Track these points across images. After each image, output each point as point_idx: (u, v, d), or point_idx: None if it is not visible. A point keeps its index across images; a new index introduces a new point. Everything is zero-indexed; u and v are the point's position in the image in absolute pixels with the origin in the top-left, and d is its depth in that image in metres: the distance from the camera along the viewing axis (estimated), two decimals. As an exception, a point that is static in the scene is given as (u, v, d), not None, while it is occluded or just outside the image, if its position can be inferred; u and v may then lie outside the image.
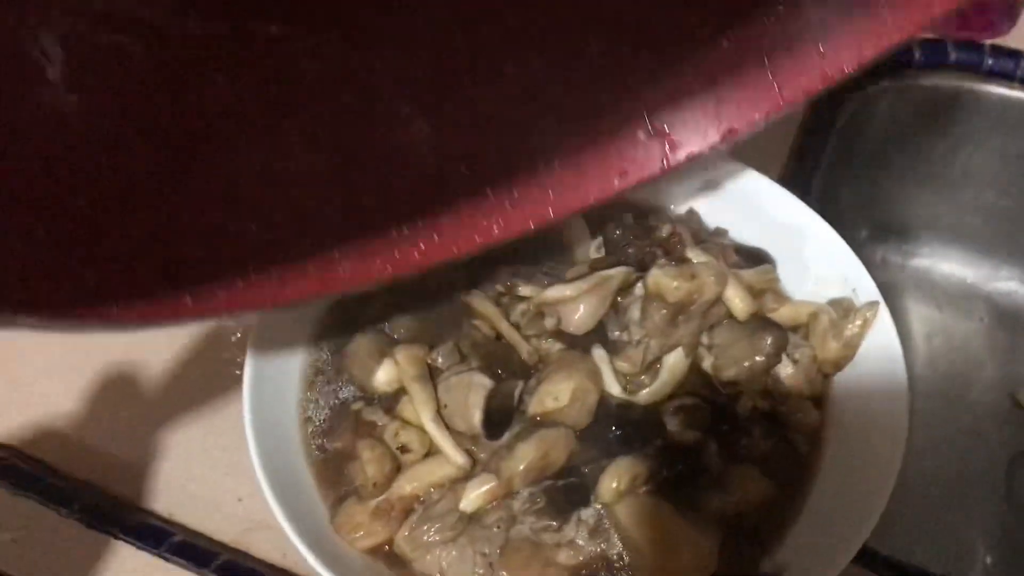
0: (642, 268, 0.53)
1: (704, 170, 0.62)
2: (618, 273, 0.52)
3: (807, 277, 0.58)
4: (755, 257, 0.58)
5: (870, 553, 0.59)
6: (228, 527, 0.60)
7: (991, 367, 0.98)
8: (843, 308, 0.55)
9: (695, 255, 0.54)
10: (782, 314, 0.56)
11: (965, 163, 0.97)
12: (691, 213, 0.62)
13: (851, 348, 0.54)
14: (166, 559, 0.58)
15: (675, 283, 0.50)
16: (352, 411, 0.54)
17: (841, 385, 0.55)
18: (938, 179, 0.98)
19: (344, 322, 0.58)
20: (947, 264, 1.03)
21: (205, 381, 0.67)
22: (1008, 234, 1.00)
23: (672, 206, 0.63)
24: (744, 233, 0.61)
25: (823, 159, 0.85)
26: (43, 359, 0.69)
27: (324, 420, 0.55)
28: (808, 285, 0.58)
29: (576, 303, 0.52)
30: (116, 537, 0.59)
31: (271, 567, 0.59)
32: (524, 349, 0.54)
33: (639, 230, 0.55)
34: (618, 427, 0.52)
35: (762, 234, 0.60)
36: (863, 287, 0.56)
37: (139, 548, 0.58)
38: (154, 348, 0.69)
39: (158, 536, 0.59)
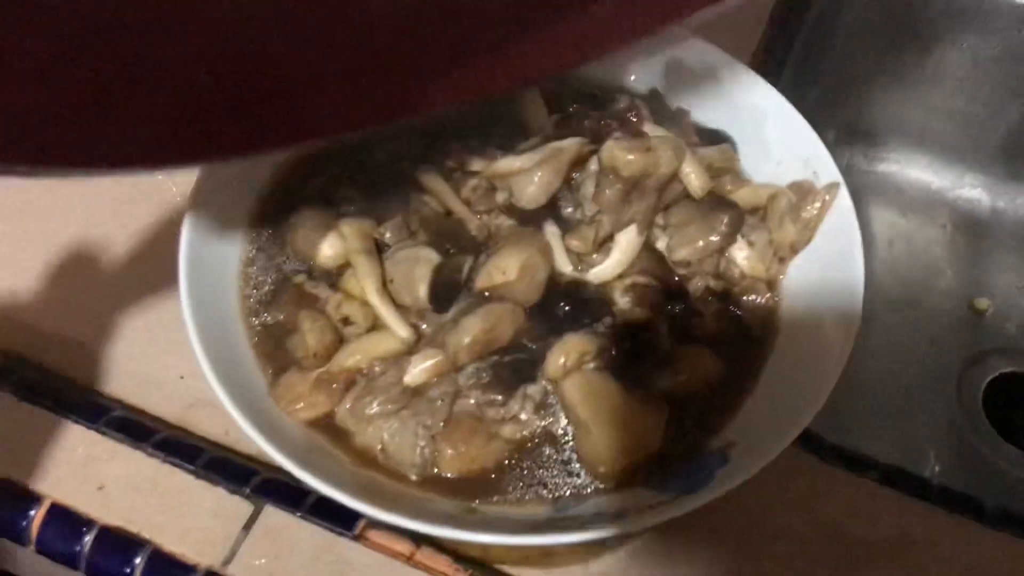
0: (597, 141, 0.51)
1: (669, 48, 0.60)
2: (571, 144, 0.50)
3: (768, 159, 0.57)
4: (716, 138, 0.57)
5: (818, 440, 0.59)
6: (170, 404, 0.59)
7: (950, 274, 0.98)
8: (802, 190, 0.54)
9: (652, 130, 0.52)
10: (741, 195, 0.55)
11: (935, 65, 0.95)
12: (654, 92, 0.60)
13: (809, 230, 0.53)
14: (104, 434, 0.56)
15: (630, 156, 0.49)
16: (294, 283, 0.52)
17: (797, 268, 0.54)
18: (907, 81, 0.96)
19: (288, 195, 0.56)
20: (912, 169, 1.02)
21: (149, 258, 0.65)
22: (975, 140, 0.99)
23: (635, 85, 0.61)
24: (707, 114, 0.59)
25: (791, 55, 0.83)
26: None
27: (265, 294, 0.53)
28: (769, 167, 0.57)
29: (528, 175, 0.50)
30: (53, 412, 0.57)
31: (213, 444, 0.58)
32: (473, 224, 0.52)
33: (596, 104, 0.53)
34: (567, 304, 0.51)
35: (725, 115, 0.58)
36: (824, 169, 0.54)
37: (76, 423, 0.57)
38: (102, 225, 0.67)
39: (97, 411, 0.57)
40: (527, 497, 0.47)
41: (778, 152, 0.56)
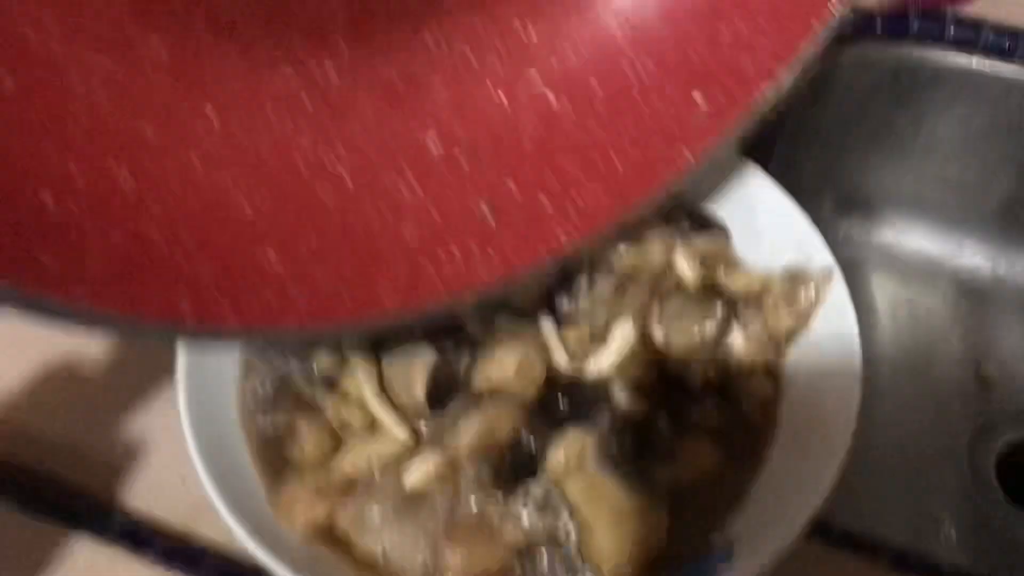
0: (589, 236, 0.51)
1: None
2: (563, 241, 0.50)
3: (760, 244, 0.57)
4: (707, 223, 0.57)
5: (826, 525, 0.58)
6: (173, 510, 0.59)
7: (955, 341, 0.98)
8: (796, 277, 0.54)
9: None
10: (735, 283, 0.55)
11: (928, 135, 0.96)
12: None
13: (804, 317, 0.53)
14: (111, 544, 0.56)
15: (622, 250, 0.49)
16: (293, 387, 0.53)
17: (794, 355, 0.54)
18: (901, 151, 0.97)
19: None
20: (911, 238, 1.02)
21: (146, 358, 0.65)
22: (971, 208, 1.00)
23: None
24: (696, 200, 0.59)
25: (784, 129, 0.84)
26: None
27: (264, 397, 0.53)
28: (762, 252, 0.57)
29: (521, 272, 0.51)
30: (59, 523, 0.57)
31: (217, 551, 0.57)
32: (468, 321, 0.52)
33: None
34: (567, 399, 0.50)
35: (715, 198, 0.59)
36: (817, 254, 0.54)
37: (74, 531, 0.56)
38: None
39: (101, 519, 0.57)
40: (533, 601, 0.46)
41: (770, 236, 0.57)
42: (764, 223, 0.57)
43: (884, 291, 1.01)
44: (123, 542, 0.56)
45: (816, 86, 0.90)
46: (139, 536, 0.56)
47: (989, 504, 0.85)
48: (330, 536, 0.48)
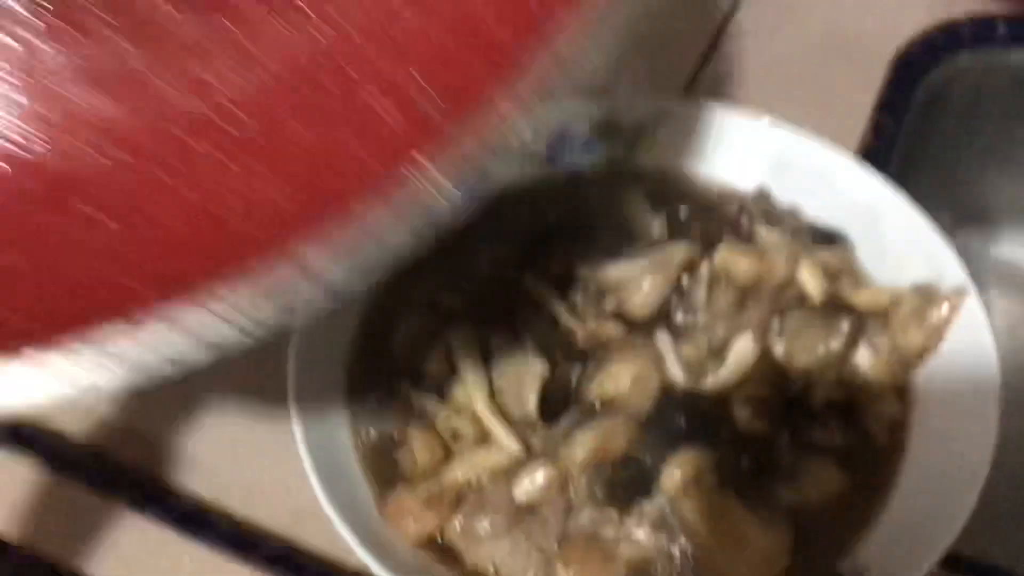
0: (708, 245, 0.50)
1: (774, 144, 0.58)
2: (680, 250, 0.49)
3: (886, 259, 0.54)
4: (830, 238, 0.55)
5: (953, 556, 0.55)
6: (276, 515, 0.59)
7: (1080, 362, 0.93)
8: (927, 293, 0.51)
9: (765, 233, 0.50)
10: (860, 299, 0.52)
11: (1051, 146, 0.91)
12: (762, 192, 0.58)
13: (936, 337, 0.50)
14: (214, 550, 0.56)
15: (743, 263, 0.47)
16: (401, 395, 0.52)
17: (925, 377, 0.51)
18: (1019, 162, 0.93)
19: (395, 301, 0.56)
20: (1032, 253, 0.97)
21: (254, 361, 0.66)
22: (1097, 221, 0.95)
23: (740, 185, 0.59)
24: (818, 212, 0.57)
25: (900, 138, 0.81)
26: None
27: (372, 404, 0.52)
28: (888, 268, 0.54)
29: (637, 282, 0.49)
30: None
31: (320, 558, 0.57)
32: (581, 332, 0.51)
33: (704, 208, 0.52)
34: (682, 416, 0.49)
35: (837, 213, 0.56)
36: (948, 270, 0.52)
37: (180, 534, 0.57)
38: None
39: (206, 523, 0.57)
40: (650, 623, 0.45)
41: (896, 250, 0.54)
42: (890, 236, 0.54)
43: (1003, 307, 0.96)
44: (225, 546, 0.56)
45: (935, 93, 0.86)
46: (242, 540, 0.56)
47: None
48: (439, 547, 0.47)
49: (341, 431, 0.52)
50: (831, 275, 0.51)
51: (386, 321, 0.56)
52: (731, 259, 0.47)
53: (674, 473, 0.47)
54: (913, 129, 0.85)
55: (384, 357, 0.54)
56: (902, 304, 0.51)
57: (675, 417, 0.49)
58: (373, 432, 0.51)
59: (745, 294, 0.48)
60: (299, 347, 0.51)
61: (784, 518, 0.46)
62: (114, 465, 0.61)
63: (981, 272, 0.98)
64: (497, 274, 0.57)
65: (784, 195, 0.58)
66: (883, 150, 0.77)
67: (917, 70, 0.83)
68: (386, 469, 0.50)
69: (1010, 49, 0.86)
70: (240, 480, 0.60)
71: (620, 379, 0.48)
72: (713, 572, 0.45)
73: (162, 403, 0.64)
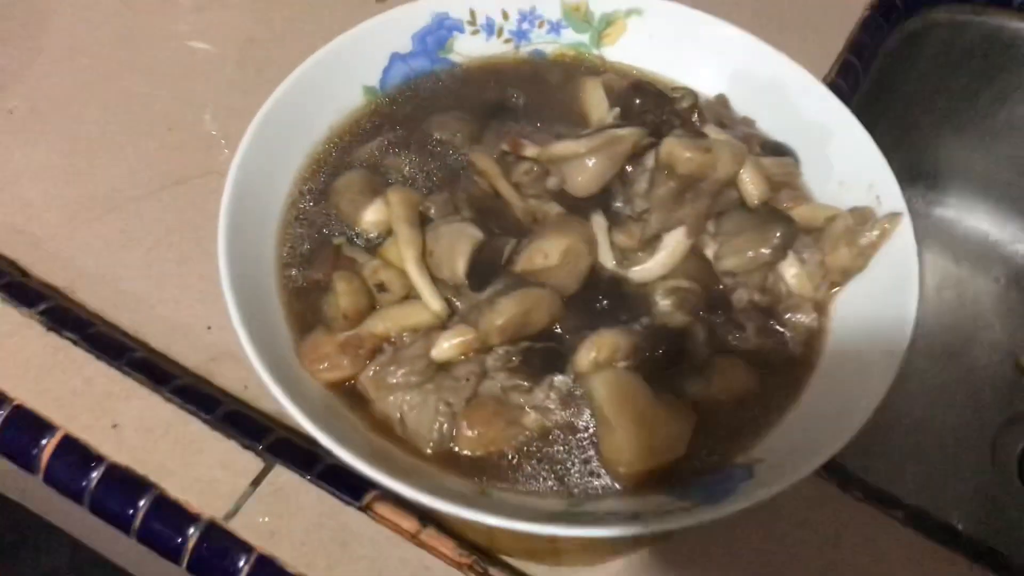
0: (657, 136, 0.50)
1: (740, 53, 0.58)
2: (630, 134, 0.49)
3: (831, 179, 0.55)
4: (779, 150, 0.55)
5: (844, 471, 0.57)
6: (193, 353, 0.59)
7: (999, 328, 0.96)
8: (862, 216, 0.52)
9: (714, 132, 0.50)
10: (798, 213, 0.53)
11: (1009, 114, 0.93)
12: (721, 98, 0.59)
13: (863, 258, 0.51)
14: (126, 374, 0.56)
15: (688, 153, 0.47)
16: (333, 245, 0.52)
17: (847, 295, 0.52)
18: (978, 127, 0.94)
19: (337, 158, 0.56)
20: (971, 218, 0.99)
21: (192, 207, 0.65)
22: (1041, 196, 0.97)
23: (703, 88, 0.59)
24: (773, 125, 0.57)
25: (864, 84, 0.81)
26: (27, 162, 0.67)
27: (303, 252, 0.52)
28: (831, 187, 0.55)
29: (582, 161, 0.49)
30: (77, 345, 0.57)
31: (232, 398, 0.57)
32: (520, 207, 0.51)
33: (659, 100, 0.52)
34: (606, 299, 0.49)
35: (791, 129, 0.57)
36: (888, 196, 0.52)
37: (99, 359, 0.56)
38: (148, 168, 0.67)
39: (120, 350, 0.57)
40: (542, 487, 0.46)
41: (842, 172, 0.55)
42: (838, 157, 0.55)
43: (934, 267, 0.99)
44: (143, 375, 0.56)
45: (907, 44, 0.86)
46: (160, 372, 0.56)
47: (1006, 492, 0.84)
48: (350, 393, 0.48)
49: (267, 273, 0.51)
50: (773, 184, 0.52)
51: (330, 174, 0.55)
52: (676, 150, 0.47)
53: (589, 352, 0.47)
54: (878, 78, 0.85)
55: (321, 207, 0.54)
56: (836, 222, 0.52)
57: (599, 299, 0.49)
58: (300, 277, 0.51)
59: (685, 187, 0.48)
60: (235, 188, 0.50)
61: (688, 409, 0.47)
62: (37, 284, 0.61)
63: (919, 230, 0.98)
64: (446, 143, 0.56)
65: (743, 105, 0.59)
66: (846, 90, 0.78)
67: (895, 14, 0.84)
68: (309, 314, 0.50)
69: (988, 9, 0.86)
70: (163, 315, 0.60)
71: (550, 253, 0.48)
72: (611, 450, 0.46)
73: (94, 233, 0.63)
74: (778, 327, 0.51)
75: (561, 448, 0.47)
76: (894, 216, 0.51)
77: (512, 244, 0.50)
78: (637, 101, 0.52)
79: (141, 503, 0.51)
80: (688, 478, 0.46)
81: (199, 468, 0.53)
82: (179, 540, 0.51)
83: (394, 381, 0.47)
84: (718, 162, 0.48)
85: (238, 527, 0.51)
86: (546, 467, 0.46)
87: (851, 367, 0.49)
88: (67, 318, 0.58)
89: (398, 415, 0.47)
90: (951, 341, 0.95)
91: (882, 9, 0.82)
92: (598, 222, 0.50)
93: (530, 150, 0.52)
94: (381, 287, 0.49)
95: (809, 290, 0.51)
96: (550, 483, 0.46)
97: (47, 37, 0.74)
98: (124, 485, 0.52)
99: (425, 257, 0.50)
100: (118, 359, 0.56)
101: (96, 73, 0.72)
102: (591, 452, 0.47)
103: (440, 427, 0.46)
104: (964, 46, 0.87)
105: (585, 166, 0.49)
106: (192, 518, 0.51)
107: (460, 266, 0.49)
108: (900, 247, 0.51)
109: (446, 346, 0.48)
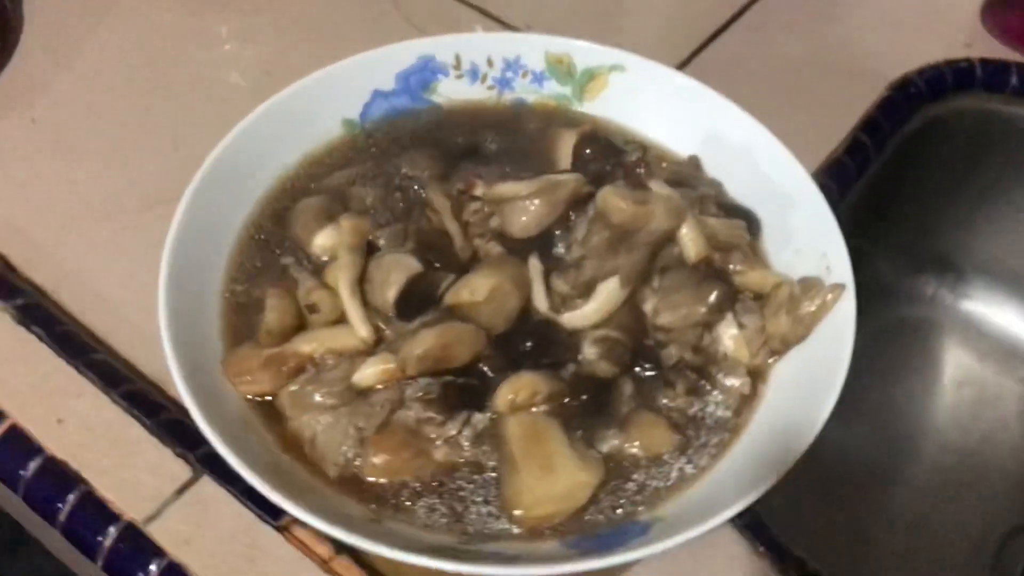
0: (599, 185, 0.50)
1: (713, 118, 0.58)
2: (569, 179, 0.49)
3: (788, 246, 0.54)
4: (736, 213, 0.55)
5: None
6: (153, 362, 0.60)
7: (1018, 431, 0.91)
8: (808, 285, 0.51)
9: (658, 187, 0.50)
10: (748, 277, 0.52)
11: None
12: (693, 159, 0.58)
13: (803, 327, 0.50)
14: (81, 373, 0.58)
15: (623, 204, 0.47)
16: (280, 265, 0.53)
17: (785, 365, 0.51)
18: (1010, 221, 0.91)
19: (304, 184, 0.57)
20: (1000, 315, 0.95)
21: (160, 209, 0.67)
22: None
23: (675, 148, 0.59)
24: (741, 189, 0.57)
25: (875, 164, 0.79)
26: (41, 167, 0.71)
27: (251, 270, 0.54)
28: (786, 255, 0.54)
29: (524, 203, 0.50)
30: (41, 340, 0.59)
31: (179, 407, 0.58)
32: (459, 243, 0.52)
33: (608, 150, 0.52)
34: (533, 341, 0.49)
35: (757, 193, 0.56)
36: (838, 267, 0.51)
37: (58, 355, 0.58)
38: (143, 183, 0.69)
39: (81, 349, 0.59)
40: (437, 522, 0.45)
41: (799, 241, 0.54)
42: (797, 225, 0.54)
43: (958, 362, 0.95)
44: (96, 376, 0.58)
45: (931, 128, 0.84)
46: (114, 374, 0.58)
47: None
48: (267, 408, 0.48)
49: (214, 286, 0.53)
50: (719, 245, 0.51)
51: (292, 199, 0.57)
52: (611, 199, 0.47)
53: (507, 392, 0.47)
54: (898, 161, 0.83)
55: (279, 229, 0.55)
56: (781, 290, 0.51)
57: (525, 341, 0.49)
58: (244, 293, 0.52)
59: (620, 238, 0.48)
60: (193, 198, 0.52)
61: (598, 461, 0.47)
62: (21, 279, 0.63)
63: (944, 322, 0.96)
64: (411, 180, 0.57)
65: (716, 167, 0.58)
66: (852, 168, 0.76)
67: (916, 99, 0.82)
68: (245, 329, 0.51)
69: (1017, 100, 0.84)
70: (134, 324, 0.61)
71: (476, 290, 0.48)
72: (511, 492, 0.45)
73: (84, 238, 0.66)
74: (709, 388, 0.50)
75: (466, 485, 0.47)
76: (837, 287, 0.50)
77: (450, 279, 0.51)
78: (587, 151, 0.52)
79: (70, 497, 0.52)
80: (586, 529, 0.45)
81: (130, 470, 0.54)
82: (99, 538, 0.51)
83: (310, 401, 0.48)
84: (653, 215, 0.48)
85: (155, 531, 0.52)
86: (446, 503, 0.46)
87: (778, 438, 0.48)
88: (39, 315, 0.60)
89: (310, 435, 0.47)
90: (965, 439, 0.91)
91: (903, 91, 0.80)
92: (534, 265, 0.51)
93: (479, 189, 0.52)
94: (313, 308, 0.50)
95: (746, 355, 0.50)
96: (446, 520, 0.46)
97: (81, 58, 0.78)
98: (56, 479, 0.53)
99: (362, 283, 0.51)
100: (76, 358, 0.58)
101: (118, 93, 0.76)
102: (495, 492, 0.46)
103: (346, 451, 0.47)
104: (992, 136, 0.85)
105: (526, 208, 0.50)
106: (113, 517, 0.52)
107: (391, 294, 0.49)
108: (839, 321, 0.49)
109: (368, 372, 0.48)
